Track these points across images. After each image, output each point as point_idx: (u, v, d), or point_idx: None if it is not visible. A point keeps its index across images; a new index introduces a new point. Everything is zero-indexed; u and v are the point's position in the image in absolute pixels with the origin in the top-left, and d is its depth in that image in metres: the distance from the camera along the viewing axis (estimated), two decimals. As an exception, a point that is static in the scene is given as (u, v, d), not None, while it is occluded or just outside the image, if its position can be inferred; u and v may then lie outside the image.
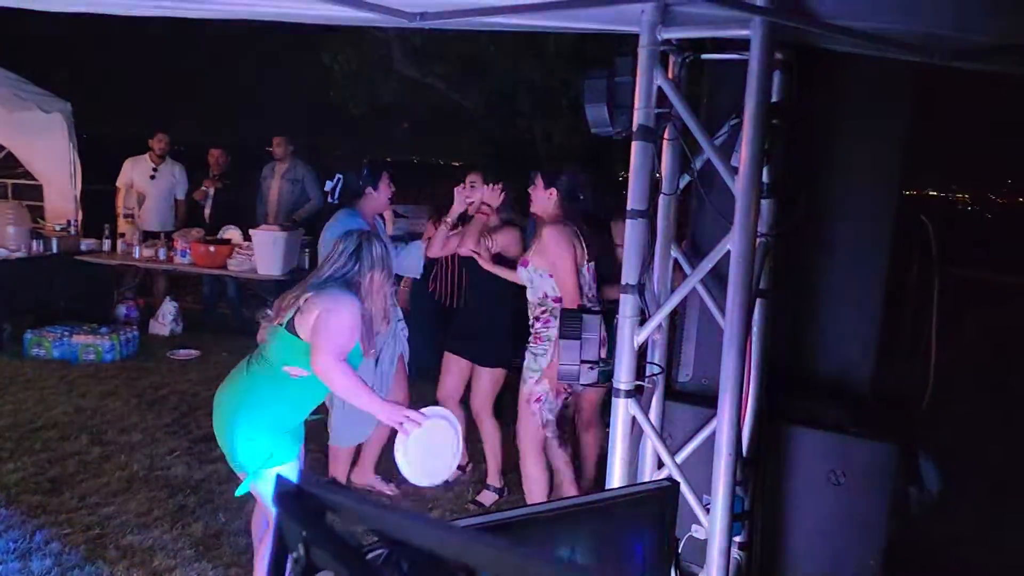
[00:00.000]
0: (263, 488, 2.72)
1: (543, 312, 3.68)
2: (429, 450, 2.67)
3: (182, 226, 7.55)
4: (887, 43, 2.40)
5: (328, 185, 4.20)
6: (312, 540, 0.57)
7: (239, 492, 2.81)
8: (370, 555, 0.59)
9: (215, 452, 4.58)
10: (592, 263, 3.70)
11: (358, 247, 2.80)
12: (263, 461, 2.70)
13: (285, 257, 6.27)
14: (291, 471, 2.72)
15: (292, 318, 2.73)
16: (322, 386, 2.74)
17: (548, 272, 3.64)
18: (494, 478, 4.33)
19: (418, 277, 4.31)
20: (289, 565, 0.59)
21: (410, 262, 4.31)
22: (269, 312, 2.87)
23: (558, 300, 3.61)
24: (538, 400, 3.66)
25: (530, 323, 3.74)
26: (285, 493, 0.60)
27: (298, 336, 2.71)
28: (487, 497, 4.31)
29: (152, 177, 7.66)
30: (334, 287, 2.74)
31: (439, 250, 4.29)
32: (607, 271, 3.81)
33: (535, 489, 3.80)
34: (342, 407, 3.95)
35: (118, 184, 7.72)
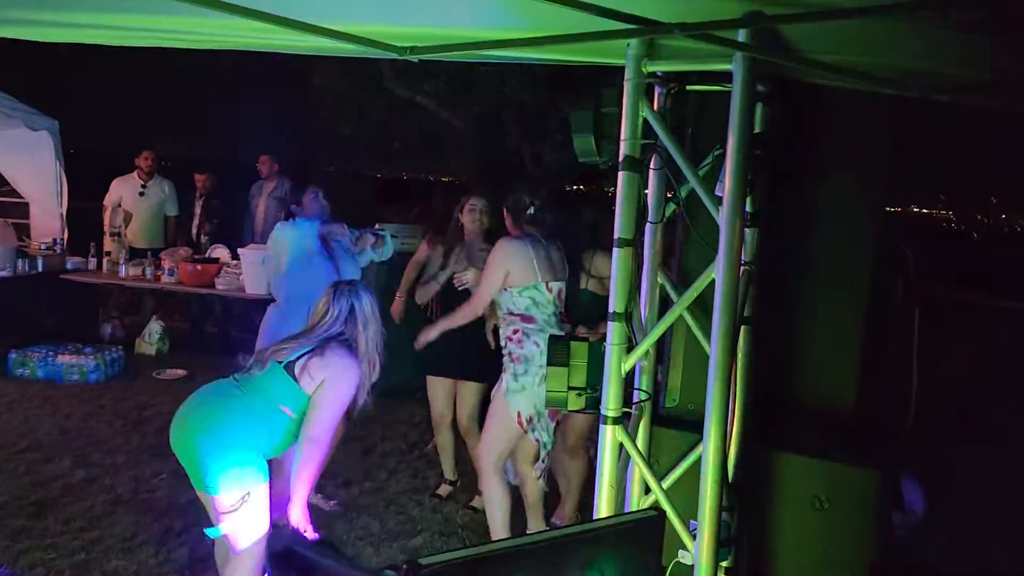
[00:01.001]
0: (225, 508, 2.71)
1: (514, 332, 3.65)
2: None
3: (173, 243, 7.53)
4: (865, 77, 2.45)
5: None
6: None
7: (213, 534, 2.80)
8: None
9: (201, 475, 4.57)
10: (560, 283, 3.71)
11: (351, 310, 2.91)
12: (238, 481, 2.71)
13: (273, 277, 6.26)
14: (261, 494, 2.75)
15: (294, 361, 2.82)
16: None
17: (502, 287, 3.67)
18: None
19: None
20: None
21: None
22: (251, 360, 2.96)
23: (521, 316, 3.62)
24: (529, 420, 3.65)
25: (502, 345, 3.73)
26: (275, 553, 0.61)
27: (297, 382, 2.80)
28: (478, 501, 4.37)
29: (141, 194, 7.64)
30: (339, 348, 2.86)
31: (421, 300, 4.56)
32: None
33: (497, 513, 3.73)
34: None
35: (105, 203, 7.69)
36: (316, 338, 2.88)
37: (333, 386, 2.79)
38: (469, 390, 4.36)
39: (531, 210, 3.72)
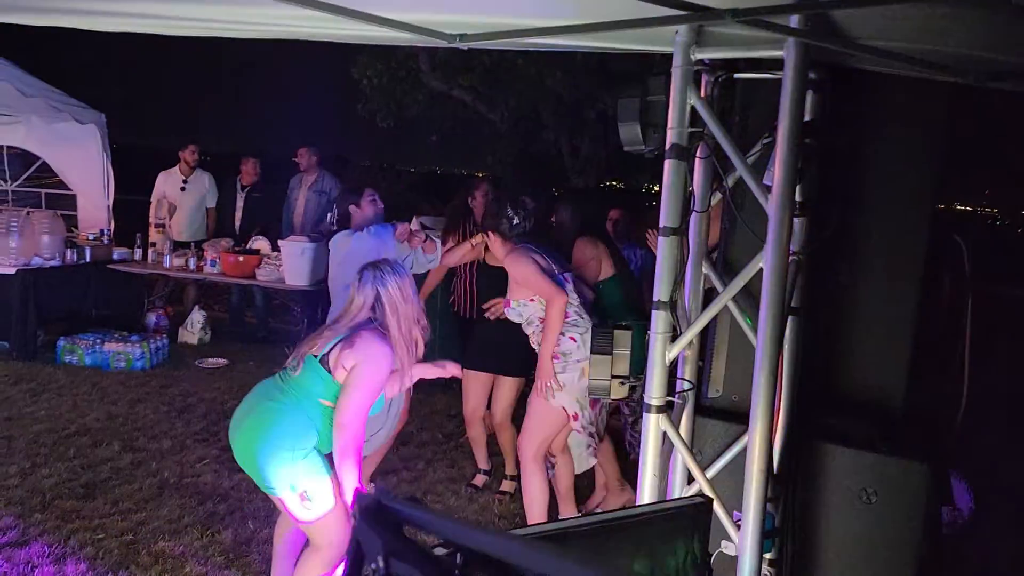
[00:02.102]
0: (293, 506, 2.77)
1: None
2: None
3: (213, 235, 7.65)
4: (920, 64, 2.41)
5: (328, 217, 4.49)
6: (392, 552, 0.60)
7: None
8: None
9: (245, 461, 4.66)
10: (570, 274, 3.77)
11: (376, 297, 2.83)
12: (292, 480, 2.75)
13: (313, 268, 6.35)
14: (323, 489, 2.78)
15: (327, 353, 2.78)
16: None
17: (528, 298, 3.69)
18: (512, 468, 4.49)
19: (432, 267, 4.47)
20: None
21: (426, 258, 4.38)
22: (291, 357, 2.91)
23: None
24: (575, 418, 3.67)
25: (536, 345, 3.76)
26: (364, 507, 0.63)
27: (331, 373, 2.77)
28: (507, 485, 4.54)
29: (183, 188, 7.77)
30: (368, 335, 2.78)
31: (456, 260, 4.46)
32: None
33: (535, 506, 3.77)
34: None
35: (152, 198, 7.85)
36: (346, 327, 2.82)
37: (361, 372, 2.73)
38: (507, 385, 4.38)
39: (516, 226, 3.79)
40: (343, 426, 2.72)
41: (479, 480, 4.67)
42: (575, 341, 3.58)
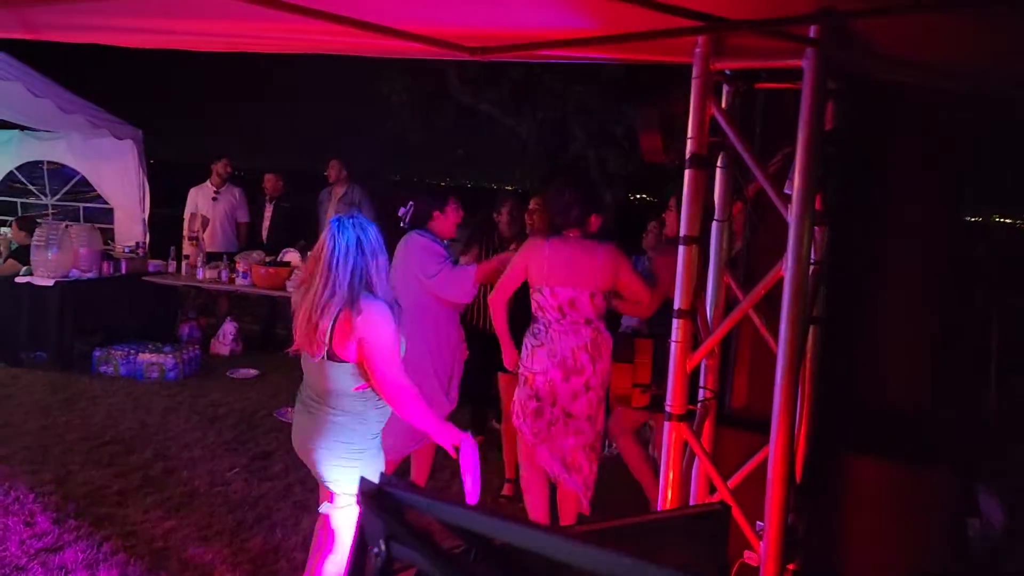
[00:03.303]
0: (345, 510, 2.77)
1: None
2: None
3: (244, 248, 7.78)
4: (940, 73, 2.40)
5: (401, 211, 4.41)
6: (393, 536, 0.63)
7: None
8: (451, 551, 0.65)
9: (273, 469, 4.71)
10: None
11: (358, 242, 2.64)
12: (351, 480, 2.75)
13: (342, 280, 6.40)
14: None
15: (331, 346, 2.66)
16: None
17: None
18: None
19: (468, 301, 4.39)
20: (371, 559, 0.64)
21: (464, 287, 4.22)
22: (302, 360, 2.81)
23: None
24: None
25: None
26: (368, 492, 0.65)
27: (344, 360, 2.67)
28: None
29: (214, 199, 7.94)
30: (360, 301, 2.62)
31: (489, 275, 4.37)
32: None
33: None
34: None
35: (185, 213, 8.02)
36: (336, 300, 2.62)
37: (372, 339, 2.61)
38: None
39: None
40: (390, 395, 2.67)
41: (507, 490, 4.66)
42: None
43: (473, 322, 5.01)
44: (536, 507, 3.95)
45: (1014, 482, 3.50)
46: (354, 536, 0.67)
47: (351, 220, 2.70)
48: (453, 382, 4.28)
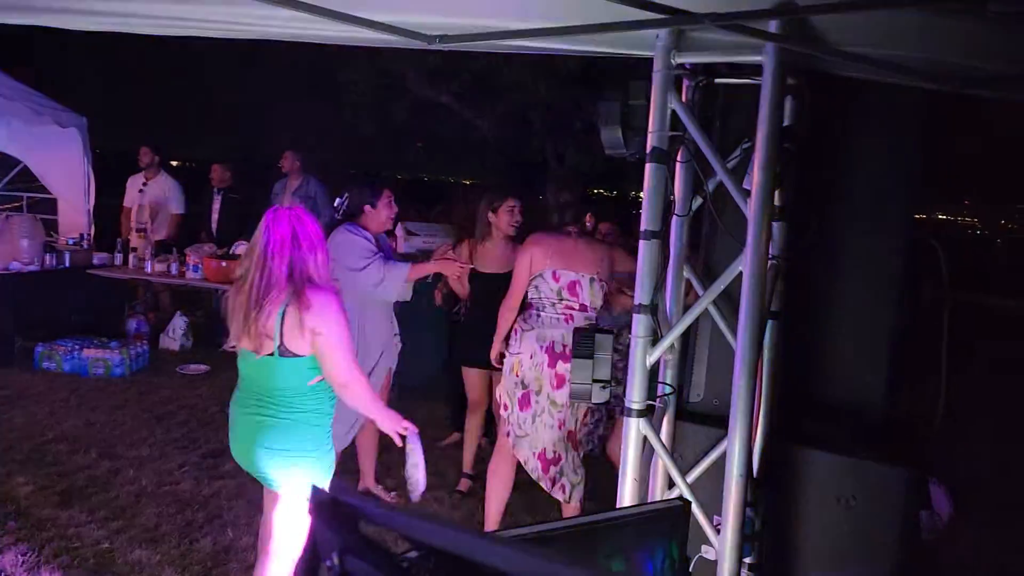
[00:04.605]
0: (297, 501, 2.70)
1: None
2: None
3: (174, 239, 7.58)
4: (896, 70, 2.42)
5: (337, 201, 4.30)
6: (347, 549, 0.59)
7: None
8: (405, 563, 0.61)
9: (224, 467, 4.60)
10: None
11: (293, 234, 2.58)
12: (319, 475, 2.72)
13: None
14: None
15: (281, 342, 2.58)
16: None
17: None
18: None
19: (407, 299, 4.32)
20: (323, 573, 0.60)
21: (394, 285, 4.08)
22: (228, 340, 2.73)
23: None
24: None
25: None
26: (320, 502, 0.61)
27: (296, 355, 2.61)
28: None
29: (141, 191, 7.80)
30: (307, 293, 2.56)
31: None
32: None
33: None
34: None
35: (125, 204, 7.84)
36: (278, 293, 2.57)
37: (326, 330, 2.56)
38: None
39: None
40: (345, 384, 2.65)
41: (463, 485, 4.65)
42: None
43: (447, 308, 4.99)
44: (498, 498, 3.96)
45: (963, 475, 3.59)
46: (304, 549, 0.63)
47: (287, 212, 2.64)
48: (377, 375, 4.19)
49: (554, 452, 3.73)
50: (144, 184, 7.81)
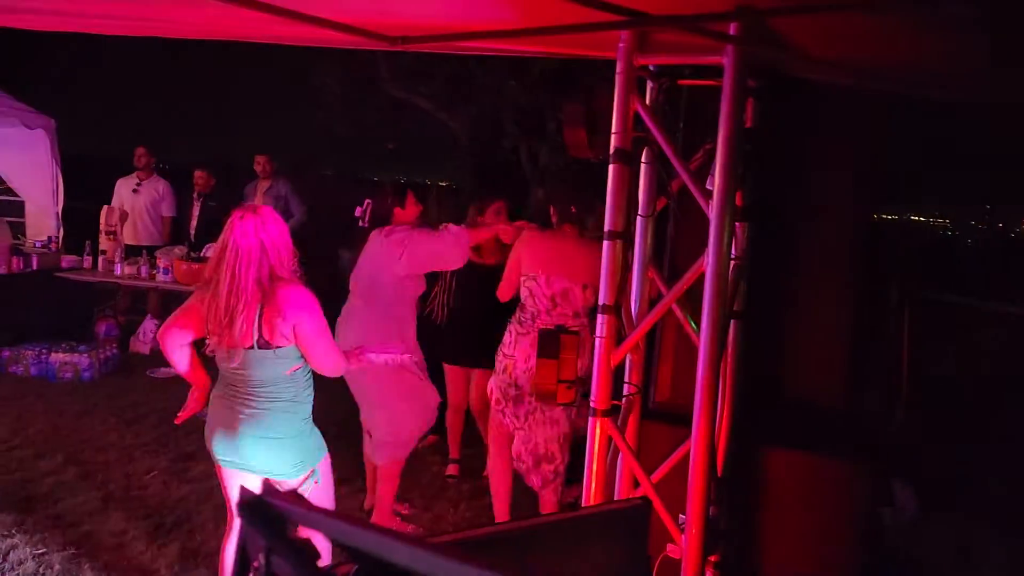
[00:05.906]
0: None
1: None
2: None
3: (167, 243, 7.53)
4: (854, 73, 2.46)
5: (358, 211, 4.34)
6: (273, 549, 0.59)
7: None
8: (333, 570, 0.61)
9: (194, 471, 4.56)
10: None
11: (261, 245, 2.64)
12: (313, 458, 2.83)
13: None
14: (326, 466, 2.89)
15: (260, 335, 2.65)
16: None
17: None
18: None
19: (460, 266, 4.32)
20: (251, 574, 0.61)
21: (457, 250, 4.01)
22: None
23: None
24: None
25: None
26: (248, 503, 0.61)
27: (277, 346, 2.68)
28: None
29: (135, 191, 7.69)
30: (279, 291, 2.63)
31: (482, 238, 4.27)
32: None
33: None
34: (389, 422, 3.95)
35: (112, 204, 7.73)
36: (241, 296, 2.62)
37: (305, 321, 2.66)
38: (483, 377, 4.46)
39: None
40: (328, 369, 2.82)
41: (453, 469, 4.82)
42: None
43: (434, 318, 4.98)
44: (501, 494, 4.02)
45: (926, 472, 3.64)
46: (236, 549, 0.64)
47: (253, 221, 2.69)
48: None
49: (546, 450, 3.75)
50: (138, 184, 7.72)
